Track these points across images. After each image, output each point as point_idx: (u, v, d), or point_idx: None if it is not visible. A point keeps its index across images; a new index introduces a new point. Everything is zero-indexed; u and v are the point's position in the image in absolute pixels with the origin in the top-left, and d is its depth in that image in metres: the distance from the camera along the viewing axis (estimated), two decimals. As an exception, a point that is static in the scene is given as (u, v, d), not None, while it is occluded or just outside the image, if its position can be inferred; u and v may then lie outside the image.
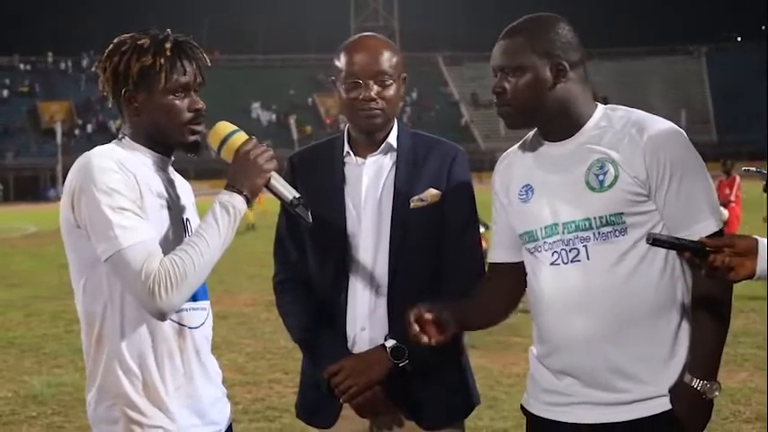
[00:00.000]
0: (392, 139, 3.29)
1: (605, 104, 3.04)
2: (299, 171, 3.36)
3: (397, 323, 3.16)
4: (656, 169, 2.83)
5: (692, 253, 2.63)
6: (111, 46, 2.94)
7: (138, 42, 2.90)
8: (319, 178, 3.30)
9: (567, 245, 2.90)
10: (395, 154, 3.29)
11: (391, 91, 3.22)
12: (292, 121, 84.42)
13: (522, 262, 3.08)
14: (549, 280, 2.95)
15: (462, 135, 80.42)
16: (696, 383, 2.83)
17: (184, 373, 2.91)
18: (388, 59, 3.21)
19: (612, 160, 2.86)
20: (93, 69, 2.99)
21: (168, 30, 2.98)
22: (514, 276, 3.10)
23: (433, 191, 3.23)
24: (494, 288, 3.15)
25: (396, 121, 3.33)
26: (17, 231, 33.85)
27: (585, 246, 2.87)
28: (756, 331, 9.96)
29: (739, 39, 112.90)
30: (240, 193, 2.84)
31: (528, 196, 3.00)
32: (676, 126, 2.92)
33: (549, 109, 2.92)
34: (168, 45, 2.90)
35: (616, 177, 2.85)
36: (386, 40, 3.30)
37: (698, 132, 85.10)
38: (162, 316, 2.78)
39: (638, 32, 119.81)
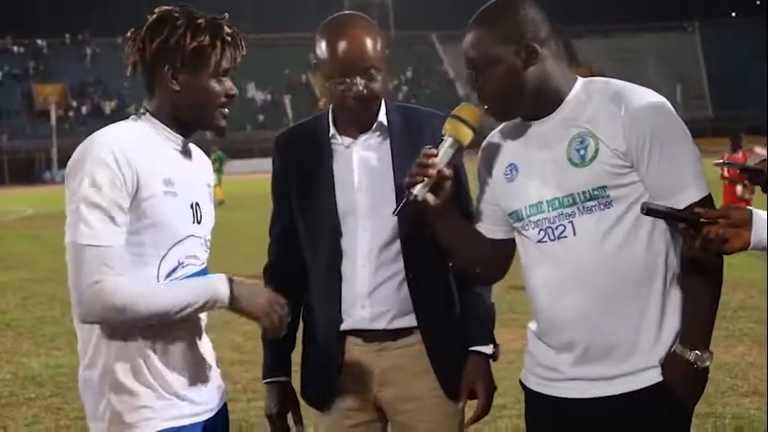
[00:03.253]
0: (382, 116, 3.25)
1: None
2: (285, 152, 3.34)
3: (420, 301, 3.23)
4: (635, 140, 2.80)
5: (686, 224, 2.63)
6: (156, 17, 2.87)
7: (197, 21, 2.85)
8: (306, 159, 3.28)
9: (552, 222, 2.88)
10: (387, 131, 3.25)
11: (379, 82, 3.15)
12: (287, 100, 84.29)
13: (500, 241, 3.08)
14: (537, 258, 2.94)
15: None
16: (688, 354, 2.82)
17: (178, 355, 2.90)
18: (373, 50, 3.12)
19: (592, 134, 2.84)
20: (128, 37, 2.90)
21: (226, 14, 2.94)
22: (491, 250, 3.09)
23: None
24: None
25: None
26: (13, 214, 33.80)
27: (572, 221, 2.86)
28: (754, 306, 9.99)
29: (733, 14, 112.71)
30: (231, 304, 2.82)
31: (513, 175, 2.99)
32: (656, 94, 2.88)
33: (527, 93, 2.89)
34: (228, 29, 2.88)
35: (597, 151, 2.83)
36: (367, 23, 3.19)
37: (694, 108, 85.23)
38: (80, 320, 2.79)
39: (631, 9, 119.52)
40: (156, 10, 2.90)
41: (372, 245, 3.21)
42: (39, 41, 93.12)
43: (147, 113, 2.92)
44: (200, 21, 2.86)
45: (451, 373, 3.27)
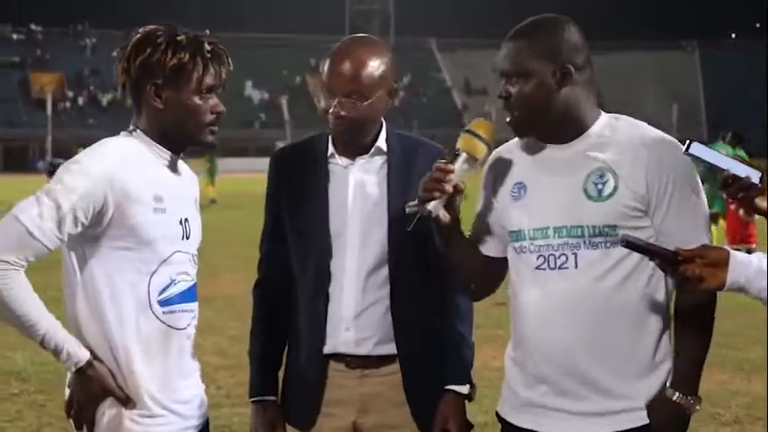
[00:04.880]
0: (381, 142, 3.28)
1: (599, 101, 3.01)
2: (281, 170, 3.37)
3: (401, 330, 3.24)
4: (656, 187, 2.82)
5: (662, 260, 2.65)
6: (140, 36, 2.92)
7: (178, 38, 2.89)
8: (301, 177, 3.30)
9: (555, 250, 2.87)
10: (385, 157, 3.28)
11: (364, 108, 3.15)
12: (284, 101, 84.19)
13: (494, 259, 3.06)
14: (532, 284, 2.92)
15: (454, 121, 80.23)
16: (678, 398, 2.84)
17: (167, 369, 2.93)
18: (368, 75, 3.14)
19: (613, 171, 2.84)
20: (115, 56, 2.96)
21: (207, 30, 2.98)
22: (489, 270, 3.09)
23: None
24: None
25: (384, 122, 3.30)
26: (4, 204, 33.67)
27: (575, 254, 2.85)
28: (733, 331, 9.96)
29: (734, 35, 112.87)
30: (80, 370, 2.88)
31: (520, 194, 2.96)
32: (680, 144, 2.86)
33: (553, 114, 2.88)
34: (208, 46, 2.91)
35: (615, 189, 2.83)
36: (374, 49, 3.20)
37: (689, 129, 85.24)
38: None
39: (630, 26, 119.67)
40: (140, 29, 2.95)
41: (360, 268, 3.22)
42: (36, 28, 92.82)
43: (138, 130, 2.97)
44: (180, 38, 2.90)
45: (426, 407, 3.27)
